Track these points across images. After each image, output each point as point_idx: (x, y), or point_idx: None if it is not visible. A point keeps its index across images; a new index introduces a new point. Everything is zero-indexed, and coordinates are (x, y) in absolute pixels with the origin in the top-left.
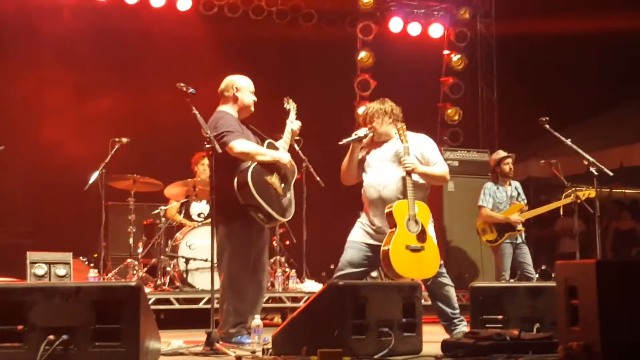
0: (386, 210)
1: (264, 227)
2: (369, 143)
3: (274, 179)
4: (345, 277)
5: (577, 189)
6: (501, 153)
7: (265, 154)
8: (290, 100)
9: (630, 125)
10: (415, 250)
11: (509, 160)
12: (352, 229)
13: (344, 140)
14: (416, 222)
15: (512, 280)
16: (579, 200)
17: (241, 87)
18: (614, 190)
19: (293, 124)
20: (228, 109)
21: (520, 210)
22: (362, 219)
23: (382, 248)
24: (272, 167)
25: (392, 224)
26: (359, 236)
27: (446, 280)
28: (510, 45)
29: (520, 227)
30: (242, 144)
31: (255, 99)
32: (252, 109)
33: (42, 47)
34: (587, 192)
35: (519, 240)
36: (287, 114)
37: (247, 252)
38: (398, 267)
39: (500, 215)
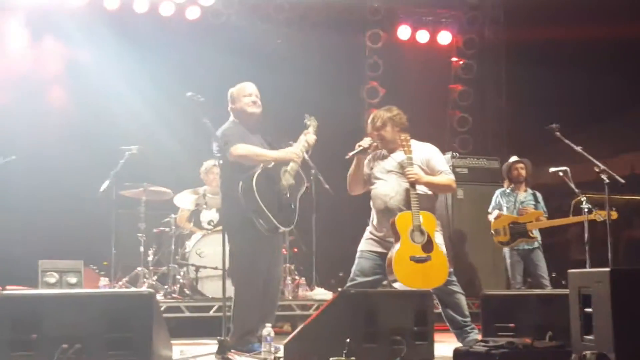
0: (390, 222)
1: (273, 235)
2: (375, 153)
3: (279, 187)
4: (357, 286)
5: (588, 196)
6: (513, 158)
7: (265, 154)
8: (312, 118)
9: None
10: (420, 260)
11: (519, 165)
12: (361, 236)
13: (350, 154)
14: (421, 232)
15: (523, 288)
16: (599, 219)
17: (234, 96)
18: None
19: (308, 136)
20: (233, 120)
21: (537, 218)
22: (370, 228)
23: (387, 258)
24: (277, 176)
25: (396, 235)
26: (367, 245)
27: (456, 287)
28: (518, 52)
29: (534, 234)
30: (240, 148)
31: (253, 99)
32: (252, 110)
33: (52, 51)
34: (610, 214)
35: (528, 247)
36: (305, 128)
37: (256, 260)
38: (401, 278)
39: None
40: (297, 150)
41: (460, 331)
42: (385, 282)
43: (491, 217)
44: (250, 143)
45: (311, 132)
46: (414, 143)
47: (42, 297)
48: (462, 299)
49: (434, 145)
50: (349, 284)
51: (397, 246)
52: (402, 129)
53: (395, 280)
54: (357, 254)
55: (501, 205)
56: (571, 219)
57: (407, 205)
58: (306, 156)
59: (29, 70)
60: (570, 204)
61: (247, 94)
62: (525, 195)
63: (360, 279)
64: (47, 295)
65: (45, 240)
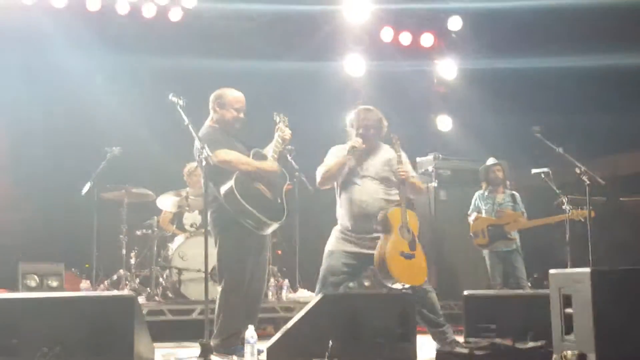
0: (379, 215)
1: (260, 236)
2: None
3: (260, 185)
4: (330, 285)
5: (570, 198)
6: (490, 161)
7: (249, 163)
8: (281, 114)
9: (621, 133)
10: (408, 257)
11: (496, 167)
12: None
13: (348, 153)
14: (408, 230)
15: (503, 289)
16: (578, 218)
17: (224, 102)
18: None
19: (284, 132)
20: (212, 124)
21: (515, 219)
22: (340, 227)
23: (376, 252)
24: (257, 173)
25: (387, 229)
26: (338, 245)
27: (429, 287)
28: (502, 54)
29: (513, 235)
30: (225, 153)
31: (241, 115)
32: (237, 126)
33: (33, 51)
34: (583, 213)
35: (506, 249)
36: (277, 125)
37: (241, 263)
38: (394, 272)
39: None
40: (276, 166)
41: (437, 330)
42: (351, 285)
43: (470, 220)
44: (234, 150)
45: (282, 127)
46: (385, 147)
47: (22, 301)
48: (435, 298)
49: (417, 147)
50: (319, 285)
51: (388, 242)
52: (380, 132)
53: (393, 282)
54: (326, 254)
55: (480, 208)
56: (549, 219)
57: (381, 209)
58: (289, 157)
59: (7, 68)
60: (552, 206)
61: (237, 107)
62: (503, 197)
63: (329, 279)
64: (27, 299)
65: (26, 242)
